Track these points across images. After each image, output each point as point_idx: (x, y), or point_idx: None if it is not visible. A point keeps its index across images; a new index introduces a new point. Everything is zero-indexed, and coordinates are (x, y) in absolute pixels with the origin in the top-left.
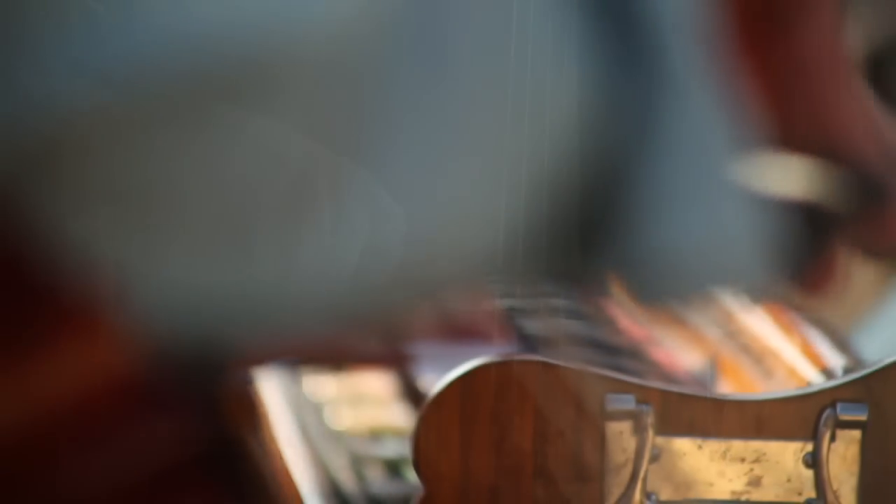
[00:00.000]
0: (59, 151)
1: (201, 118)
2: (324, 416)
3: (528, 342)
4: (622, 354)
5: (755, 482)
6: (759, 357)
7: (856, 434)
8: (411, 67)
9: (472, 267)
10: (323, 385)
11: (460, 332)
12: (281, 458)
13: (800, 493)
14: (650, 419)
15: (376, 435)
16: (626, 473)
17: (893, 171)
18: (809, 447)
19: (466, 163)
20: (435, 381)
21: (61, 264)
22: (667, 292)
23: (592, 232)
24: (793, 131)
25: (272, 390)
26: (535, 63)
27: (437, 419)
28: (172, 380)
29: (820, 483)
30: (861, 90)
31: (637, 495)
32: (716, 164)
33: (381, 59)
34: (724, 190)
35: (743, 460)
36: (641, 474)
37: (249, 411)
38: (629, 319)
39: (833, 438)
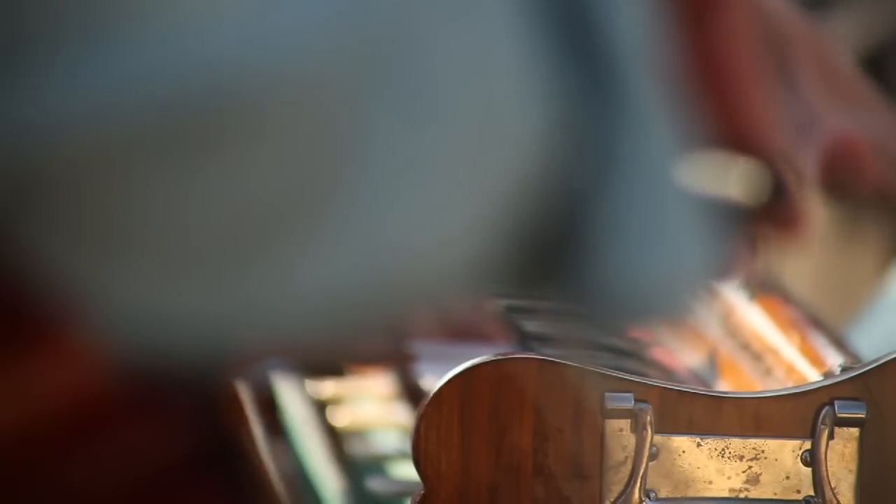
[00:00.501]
0: (47, 179)
1: (186, 150)
2: (324, 414)
3: (528, 341)
4: (621, 353)
5: (754, 480)
6: (758, 355)
7: (854, 432)
8: (387, 99)
9: (445, 282)
10: (323, 384)
11: (459, 333)
12: (278, 457)
13: (798, 491)
14: (649, 417)
15: (375, 433)
16: (626, 471)
17: (794, 167)
18: (808, 445)
19: (438, 187)
20: (434, 381)
21: (46, 288)
22: (629, 315)
23: (555, 256)
24: (709, 127)
25: (271, 390)
26: (503, 95)
27: (437, 417)
28: (166, 385)
29: (818, 480)
30: (773, 84)
31: (636, 493)
32: (674, 189)
33: (359, 91)
34: (682, 215)
35: (741, 458)
36: (640, 472)
37: (247, 412)
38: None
39: (831, 436)
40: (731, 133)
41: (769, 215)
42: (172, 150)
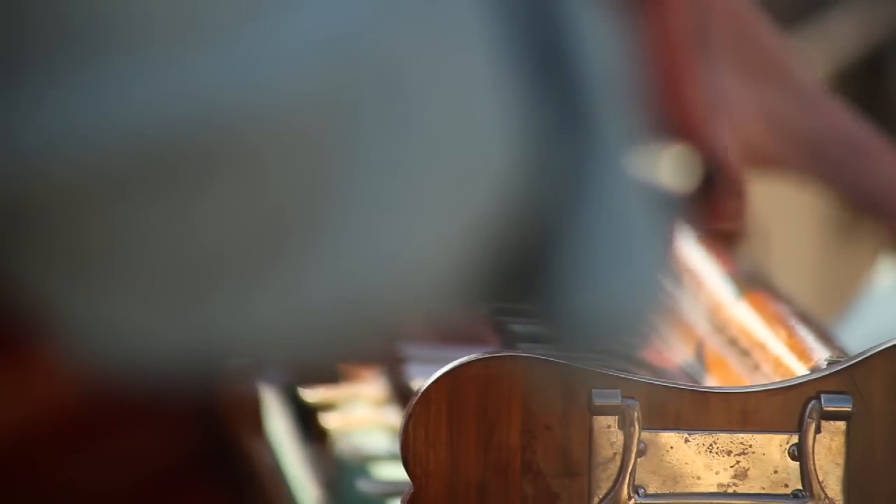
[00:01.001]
0: (37, 204)
1: (179, 179)
2: (315, 417)
3: (516, 341)
4: (610, 353)
5: (742, 475)
6: (745, 350)
7: (841, 425)
8: (371, 125)
9: (422, 301)
10: (314, 389)
11: (450, 337)
12: (275, 458)
13: (786, 485)
14: (636, 413)
15: (366, 435)
16: (614, 468)
17: (726, 157)
18: (795, 439)
19: (416, 211)
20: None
21: (35, 310)
22: (594, 338)
23: (526, 279)
24: (650, 116)
25: (265, 393)
26: (480, 123)
27: (425, 416)
28: (160, 395)
29: (806, 474)
30: (710, 74)
31: (625, 489)
32: (640, 217)
33: (344, 120)
34: (647, 242)
35: (729, 453)
36: (629, 468)
37: (244, 415)
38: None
39: (818, 430)
40: (669, 121)
41: (701, 204)
42: (164, 178)
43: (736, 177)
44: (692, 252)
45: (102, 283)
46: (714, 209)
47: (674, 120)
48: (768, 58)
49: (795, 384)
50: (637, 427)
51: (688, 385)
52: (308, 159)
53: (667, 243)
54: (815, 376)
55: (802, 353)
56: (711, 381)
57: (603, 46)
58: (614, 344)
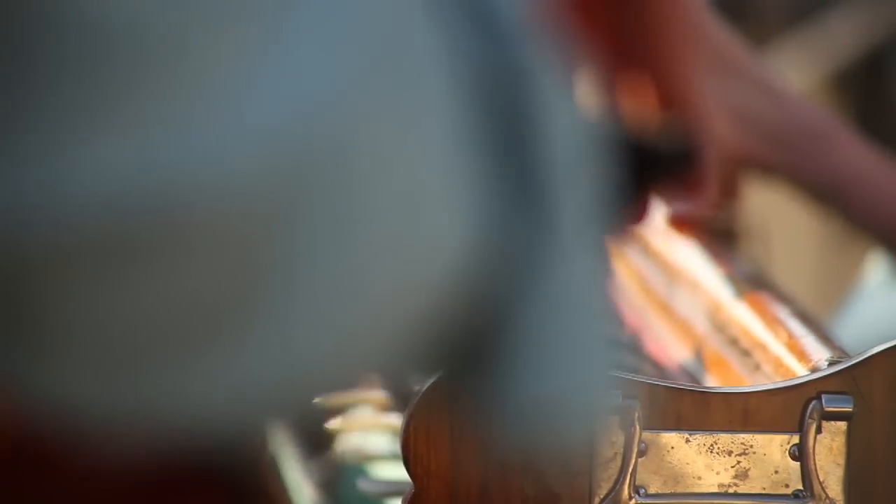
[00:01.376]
0: None
1: (118, 257)
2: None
3: None
4: (618, 346)
5: (742, 475)
6: (746, 350)
7: (841, 425)
8: (318, 211)
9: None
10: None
11: None
12: (275, 459)
13: (787, 485)
14: (637, 414)
15: (368, 435)
16: (615, 468)
17: (705, 138)
18: (796, 439)
19: (361, 297)
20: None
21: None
22: (538, 431)
23: (472, 363)
24: (640, 83)
25: None
26: (431, 208)
27: (426, 416)
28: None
29: (807, 474)
30: (702, 54)
31: (626, 490)
32: (593, 315)
33: (293, 200)
34: (594, 336)
35: (730, 453)
36: (630, 468)
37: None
38: (625, 307)
39: (819, 430)
40: (661, 91)
41: (675, 172)
42: (109, 253)
43: (719, 152)
44: (692, 252)
45: (50, 350)
46: (694, 185)
47: (662, 87)
48: (723, 52)
49: (796, 384)
50: (638, 427)
51: (689, 385)
52: (254, 239)
53: (615, 327)
54: (815, 376)
55: (803, 354)
56: (712, 382)
57: (568, 126)
58: (560, 433)
